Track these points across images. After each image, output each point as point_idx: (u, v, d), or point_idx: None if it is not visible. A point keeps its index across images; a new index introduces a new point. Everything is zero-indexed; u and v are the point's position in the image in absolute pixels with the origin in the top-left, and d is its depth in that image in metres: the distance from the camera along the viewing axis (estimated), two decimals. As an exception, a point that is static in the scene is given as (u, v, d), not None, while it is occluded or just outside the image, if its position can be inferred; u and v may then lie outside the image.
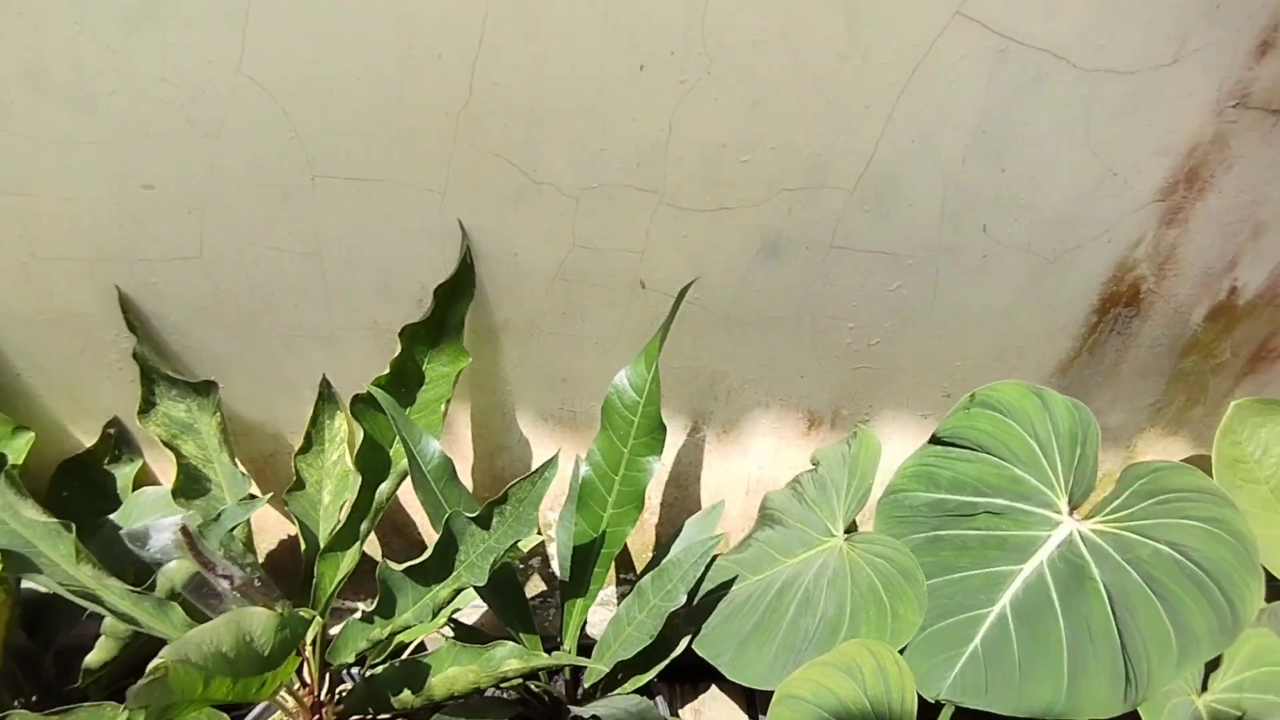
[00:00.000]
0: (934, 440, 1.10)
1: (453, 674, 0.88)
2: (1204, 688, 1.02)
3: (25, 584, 0.95)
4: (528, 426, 1.27)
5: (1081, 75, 0.97)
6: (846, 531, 1.14)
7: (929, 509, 1.09)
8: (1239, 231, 1.14)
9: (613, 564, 1.18)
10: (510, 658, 0.91)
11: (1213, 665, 1.03)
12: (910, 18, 0.91)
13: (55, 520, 0.96)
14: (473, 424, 1.26)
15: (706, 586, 1.26)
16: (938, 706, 1.06)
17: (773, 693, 1.03)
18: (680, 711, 1.53)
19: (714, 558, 1.31)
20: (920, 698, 1.03)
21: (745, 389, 1.24)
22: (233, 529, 0.98)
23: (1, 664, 1.10)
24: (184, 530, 0.83)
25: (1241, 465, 1.27)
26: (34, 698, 1.21)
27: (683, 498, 1.39)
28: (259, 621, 0.72)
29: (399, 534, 1.42)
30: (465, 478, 1.33)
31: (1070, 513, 1.03)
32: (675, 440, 1.31)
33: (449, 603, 0.93)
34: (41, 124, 0.94)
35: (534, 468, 1.32)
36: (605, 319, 1.14)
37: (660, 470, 1.36)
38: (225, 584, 0.88)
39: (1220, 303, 1.21)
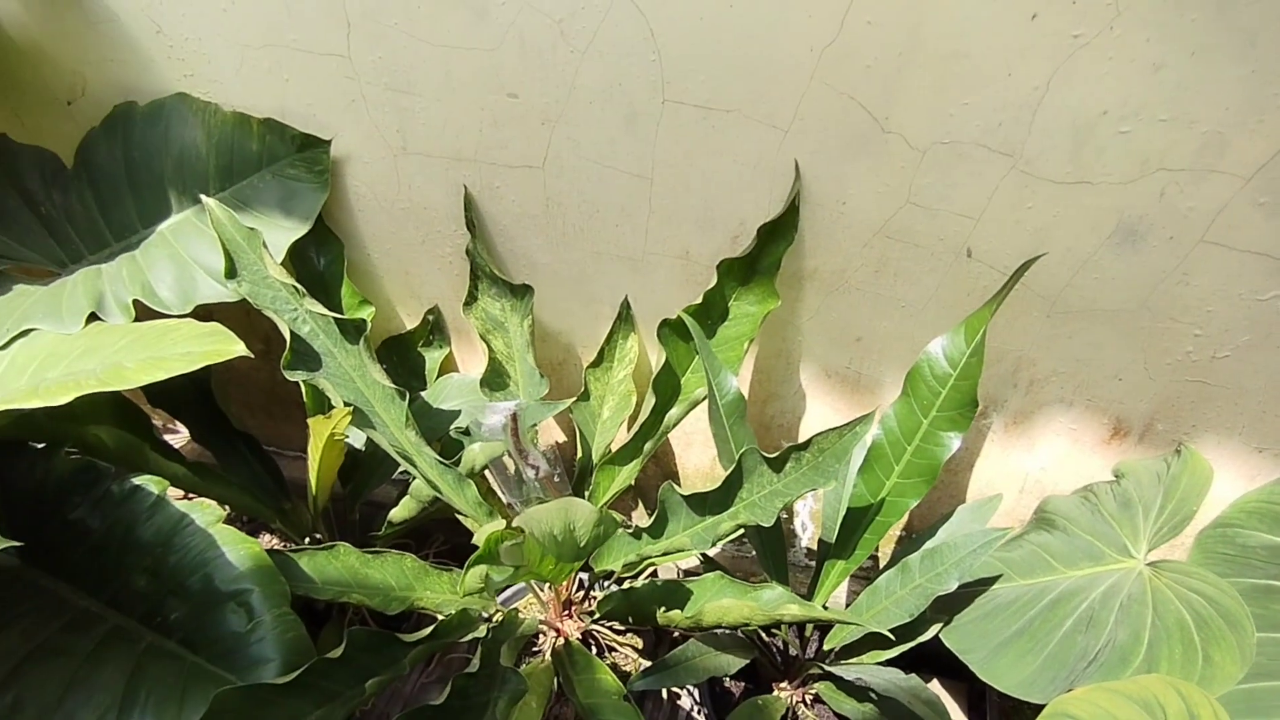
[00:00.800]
0: (1293, 477, 0.95)
1: (727, 604, 0.90)
2: None
3: (369, 436, 1.08)
4: (808, 380, 1.25)
5: None
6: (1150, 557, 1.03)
7: (1269, 554, 0.95)
8: None
9: (887, 533, 1.14)
10: (788, 603, 0.91)
11: None
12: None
13: (394, 386, 1.09)
14: (755, 367, 1.27)
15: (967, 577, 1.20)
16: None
17: (1013, 701, 0.97)
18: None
19: (976, 551, 1.24)
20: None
21: (1050, 381, 1.15)
22: (534, 425, 1.05)
23: (326, 505, 1.28)
24: (514, 417, 0.91)
25: None
26: (341, 538, 1.40)
27: (948, 483, 1.33)
28: (583, 514, 0.77)
29: (655, 461, 1.47)
30: (730, 419, 1.34)
31: None
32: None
33: (730, 535, 0.95)
34: (438, 28, 1.03)
35: (804, 423, 1.32)
36: (919, 284, 1.09)
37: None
38: (531, 472, 0.95)
39: None
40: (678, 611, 0.96)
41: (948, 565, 1.03)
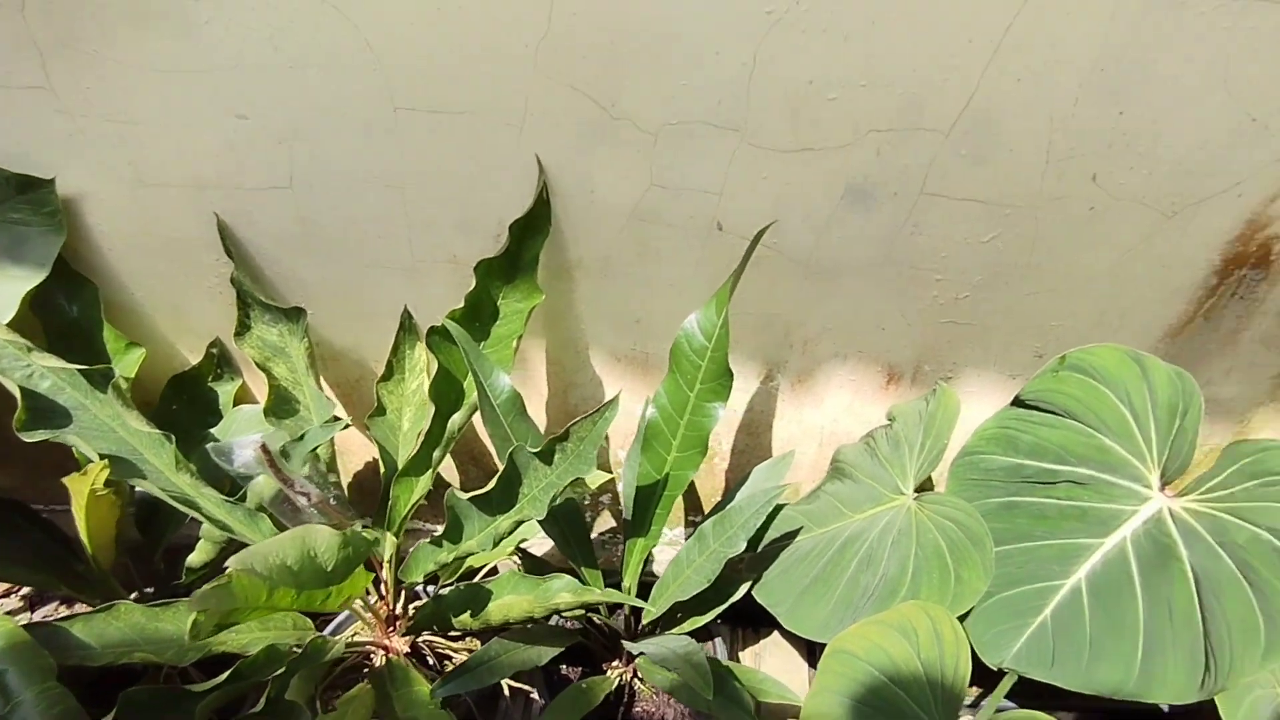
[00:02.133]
0: (1017, 402, 1.04)
1: (509, 601, 0.91)
2: (1295, 682, 0.95)
3: (139, 487, 1.03)
4: (601, 365, 1.27)
5: (1224, 4, 0.87)
6: (918, 491, 1.11)
7: (1006, 474, 1.04)
8: (1397, 190, 1.01)
9: (675, 506, 1.18)
10: (564, 591, 0.93)
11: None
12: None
13: (158, 430, 1.04)
14: (548, 360, 1.28)
15: (772, 535, 1.26)
16: (999, 674, 1.03)
17: (829, 645, 1.03)
18: (741, 655, 1.55)
19: (781, 506, 1.30)
20: (983, 664, 1.01)
21: (822, 339, 1.21)
22: (315, 449, 1.03)
23: (115, 557, 1.21)
24: (263, 448, 0.88)
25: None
26: (147, 590, 1.33)
27: (754, 445, 1.38)
28: (323, 539, 0.76)
29: (475, 462, 1.47)
30: (539, 412, 1.35)
31: (1162, 489, 0.97)
32: (748, 387, 1.29)
33: (510, 533, 0.96)
34: (143, 52, 0.98)
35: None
36: (680, 261, 1.12)
37: (731, 417, 1.35)
38: (303, 500, 0.93)
39: (1367, 269, 1.09)
40: (468, 615, 0.97)
41: (736, 529, 1.07)
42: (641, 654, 1.01)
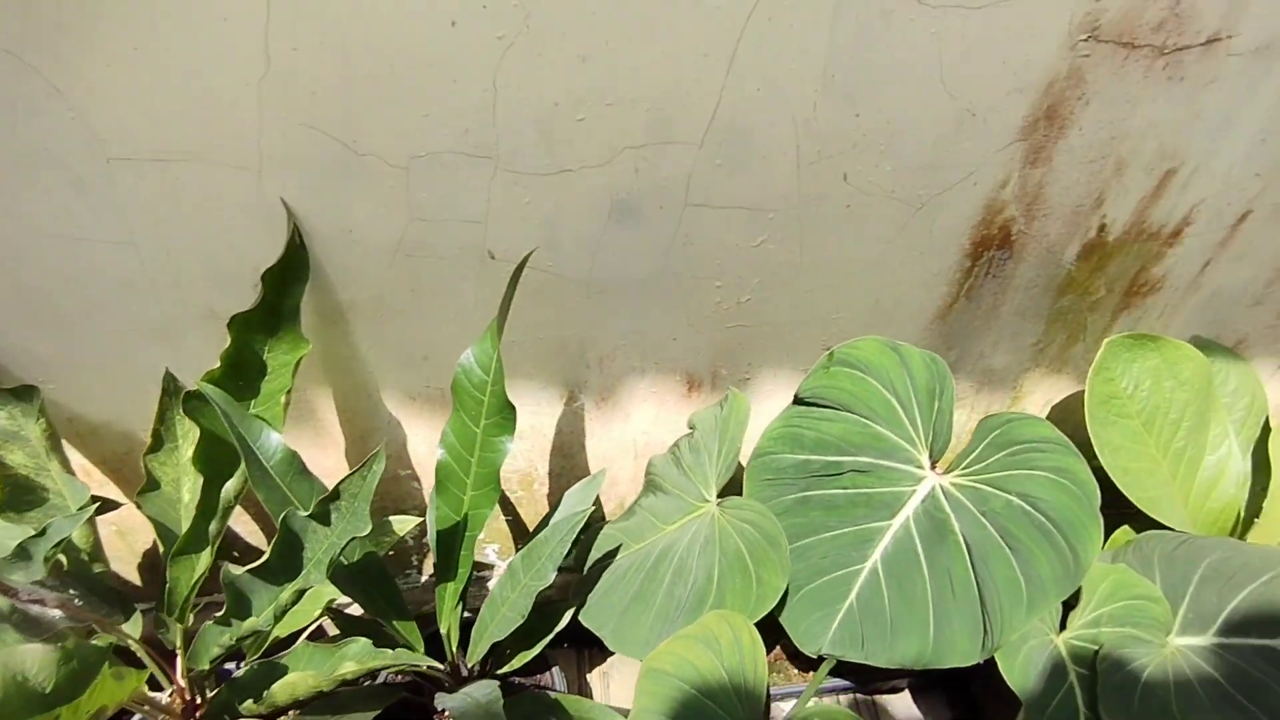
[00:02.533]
0: (797, 400, 1.07)
1: (293, 680, 0.84)
2: (1063, 626, 1.03)
3: None
4: (396, 407, 1.22)
5: (929, 11, 0.93)
6: (721, 496, 1.12)
7: (796, 470, 1.07)
8: (1102, 168, 1.11)
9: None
10: (350, 661, 0.88)
11: (1072, 604, 1.04)
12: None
13: None
14: (338, 408, 1.21)
15: (596, 555, 1.25)
16: (820, 661, 1.06)
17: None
18: (589, 676, 1.53)
19: (602, 525, 1.29)
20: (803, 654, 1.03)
21: (617, 355, 1.21)
22: (59, 544, 0.92)
23: None
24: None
25: (1115, 401, 1.27)
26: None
27: (570, 466, 1.36)
28: (33, 658, 0.68)
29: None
30: (339, 463, 1.28)
31: (932, 467, 1.02)
32: (553, 410, 1.27)
33: (293, 604, 0.89)
34: None
35: (409, 448, 1.29)
36: (458, 293, 1.09)
37: (543, 441, 1.33)
38: (37, 608, 0.83)
39: (1091, 240, 1.20)
40: (251, 702, 0.89)
41: (543, 560, 1.04)
42: (443, 710, 0.96)
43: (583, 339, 1.18)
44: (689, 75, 0.93)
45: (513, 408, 1.02)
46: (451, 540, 1.10)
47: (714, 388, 1.28)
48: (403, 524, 1.19)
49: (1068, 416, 1.42)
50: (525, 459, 1.35)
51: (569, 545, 1.04)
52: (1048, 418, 1.47)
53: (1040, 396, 1.43)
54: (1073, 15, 0.96)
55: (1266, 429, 1.40)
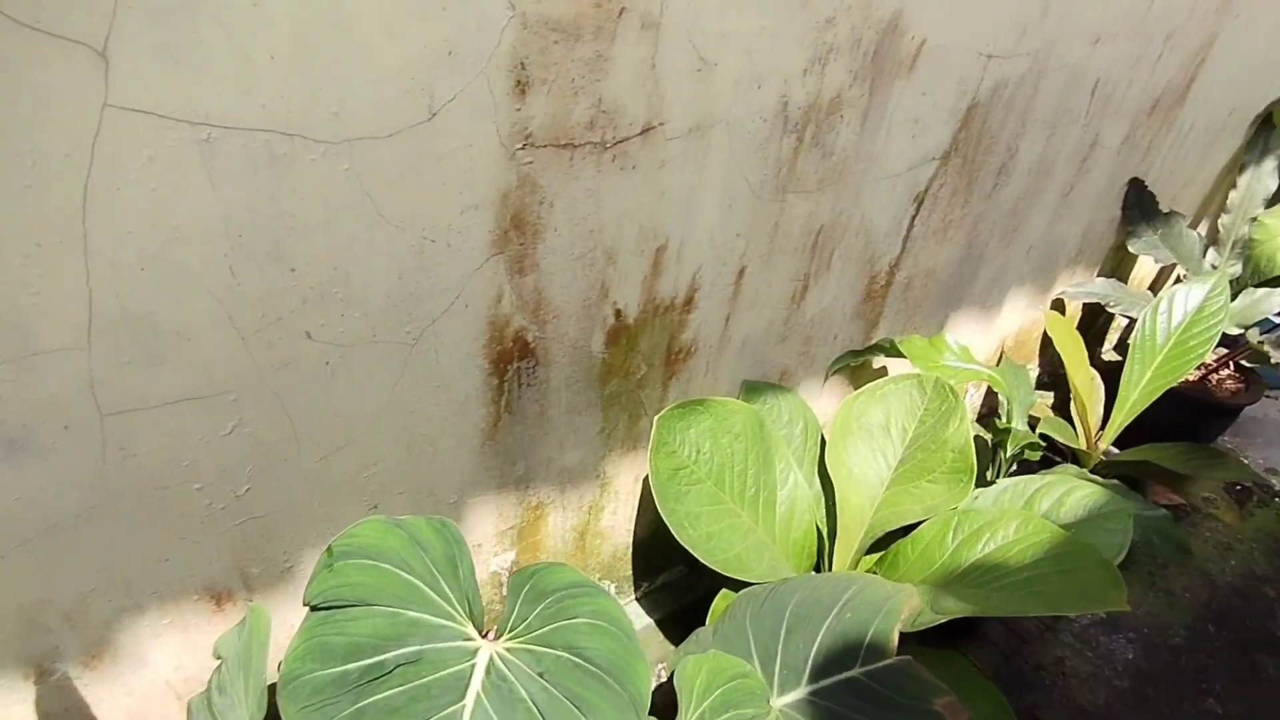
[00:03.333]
0: (311, 607, 0.90)
1: None
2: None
3: None
4: None
5: (331, 149, 0.81)
6: (260, 742, 0.91)
7: (335, 685, 0.89)
8: (594, 261, 1.09)
9: None
10: None
11: (672, 714, 0.99)
12: (40, 120, 0.66)
13: None
14: None
15: None
16: None
17: None
18: None
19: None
20: None
21: (91, 603, 0.94)
22: None
23: None
24: None
25: (683, 471, 1.27)
26: None
27: (88, 741, 1.05)
28: None
29: None
30: None
31: (483, 635, 0.91)
32: (20, 696, 0.96)
33: None
34: None
35: None
36: None
37: None
38: None
39: (613, 327, 1.18)
40: None
41: None
42: None
43: (28, 602, 0.89)
44: (34, 273, 0.72)
45: None
46: None
47: (251, 591, 1.06)
48: None
49: (657, 487, 1.41)
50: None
51: None
52: (643, 492, 1.46)
53: (628, 476, 1.41)
54: (499, 128, 0.90)
55: (823, 445, 1.51)
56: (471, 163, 0.91)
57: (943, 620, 1.09)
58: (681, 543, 1.19)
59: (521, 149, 0.94)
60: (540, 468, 1.26)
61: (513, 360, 1.10)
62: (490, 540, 1.29)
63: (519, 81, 0.89)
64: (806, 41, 1.10)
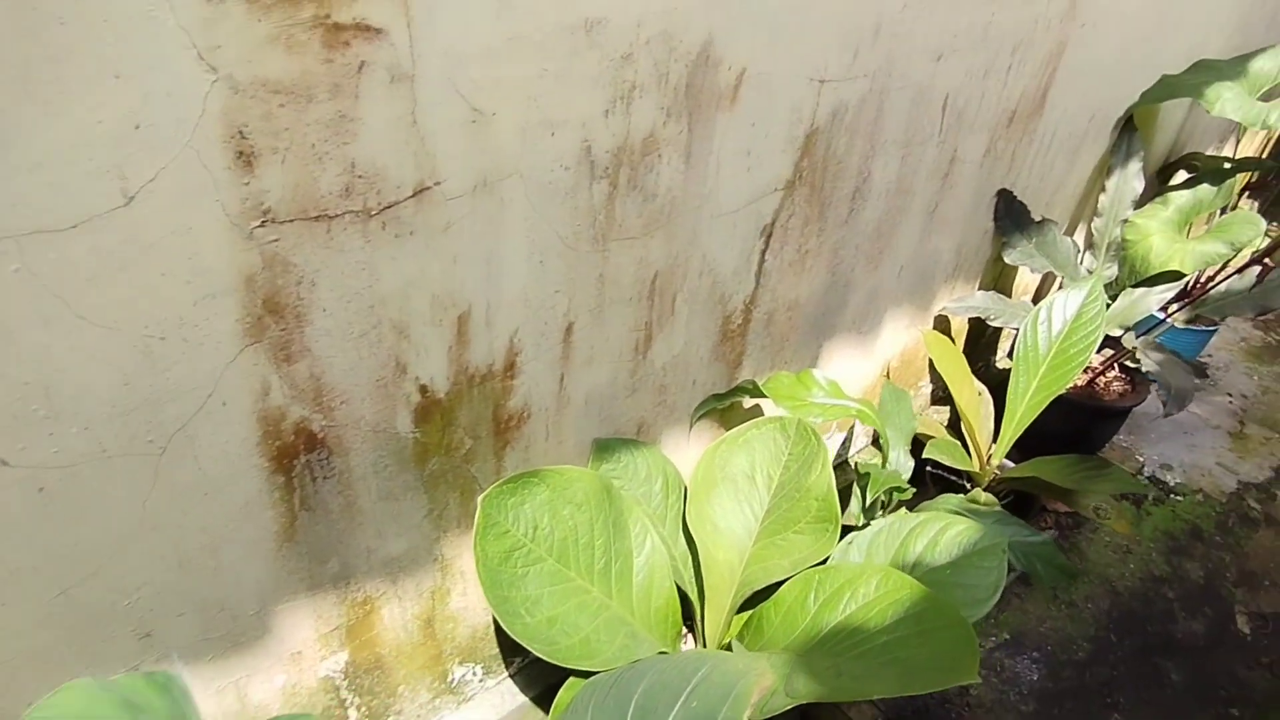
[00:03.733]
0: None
1: None
2: None
3: None
4: None
5: (-5, 249, 0.68)
6: None
7: None
8: (380, 337, 0.98)
9: None
10: None
11: None
12: None
13: None
14: None
15: None
16: None
17: None
18: None
19: None
20: None
21: None
22: None
23: None
24: None
25: (519, 551, 1.17)
26: None
27: None
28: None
29: None
30: None
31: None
32: None
33: None
34: None
35: None
36: None
37: None
38: None
39: (420, 403, 1.07)
40: None
41: None
42: None
43: None
44: None
45: None
46: None
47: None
48: None
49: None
50: None
51: None
52: (492, 568, 1.34)
53: (471, 555, 1.29)
54: (224, 206, 0.78)
55: (686, 498, 1.41)
56: (195, 247, 0.79)
57: (794, 705, 1.00)
58: (513, 636, 1.08)
59: (260, 226, 0.82)
60: (359, 561, 1.13)
61: (299, 454, 0.98)
62: (312, 645, 1.16)
63: (241, 152, 0.77)
64: (602, 81, 1.01)
